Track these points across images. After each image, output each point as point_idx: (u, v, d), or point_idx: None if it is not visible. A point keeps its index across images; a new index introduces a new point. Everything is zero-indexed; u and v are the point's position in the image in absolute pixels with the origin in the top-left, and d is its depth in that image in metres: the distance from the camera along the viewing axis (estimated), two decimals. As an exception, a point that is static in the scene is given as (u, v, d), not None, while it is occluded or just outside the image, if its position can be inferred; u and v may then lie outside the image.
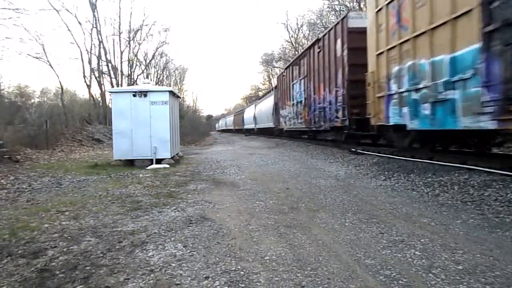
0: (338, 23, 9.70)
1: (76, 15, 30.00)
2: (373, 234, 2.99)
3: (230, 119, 52.65)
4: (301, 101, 13.73)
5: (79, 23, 24.40)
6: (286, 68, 17.31)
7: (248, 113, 34.78)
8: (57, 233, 3.23)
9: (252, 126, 31.66)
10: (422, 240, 2.80)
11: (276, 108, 19.54)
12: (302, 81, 13.48)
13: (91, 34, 24.33)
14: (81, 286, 2.16)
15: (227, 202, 4.40)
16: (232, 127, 47.84)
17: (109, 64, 26.19)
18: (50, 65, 21.67)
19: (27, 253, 2.73)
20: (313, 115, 12.35)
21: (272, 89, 24.37)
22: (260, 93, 48.21)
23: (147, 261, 2.54)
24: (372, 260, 2.43)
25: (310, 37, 35.24)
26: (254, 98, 47.40)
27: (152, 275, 2.29)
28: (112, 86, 25.04)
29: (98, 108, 25.02)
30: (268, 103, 23.22)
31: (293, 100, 15.06)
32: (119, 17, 28.44)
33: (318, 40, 11.68)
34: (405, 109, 6.42)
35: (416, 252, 2.55)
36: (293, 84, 15.08)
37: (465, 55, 4.76)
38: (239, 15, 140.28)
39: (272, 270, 2.33)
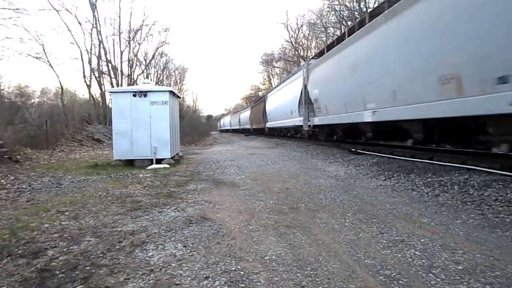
0: None
1: (76, 15, 30.17)
2: (373, 234, 2.99)
3: (245, 114, 35.55)
4: None
5: (79, 23, 24.50)
6: None
7: (274, 101, 19.19)
8: (57, 233, 3.23)
9: (284, 122, 15.86)
10: (422, 240, 2.80)
11: None
12: None
13: (91, 34, 24.41)
14: (81, 286, 2.16)
15: (227, 202, 4.40)
16: (248, 126, 32.61)
17: (109, 64, 26.24)
18: (50, 65, 21.76)
19: (27, 253, 2.73)
20: None
21: None
22: (260, 93, 45.73)
23: (147, 261, 2.54)
24: (372, 260, 2.43)
25: (310, 37, 35.20)
26: (254, 98, 43.76)
27: (152, 275, 2.29)
28: (112, 86, 25.08)
29: (98, 108, 25.03)
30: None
31: None
32: (119, 17, 28.69)
33: None
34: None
35: (416, 252, 2.55)
36: None
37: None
38: (239, 15, 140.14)
39: (272, 270, 2.33)
